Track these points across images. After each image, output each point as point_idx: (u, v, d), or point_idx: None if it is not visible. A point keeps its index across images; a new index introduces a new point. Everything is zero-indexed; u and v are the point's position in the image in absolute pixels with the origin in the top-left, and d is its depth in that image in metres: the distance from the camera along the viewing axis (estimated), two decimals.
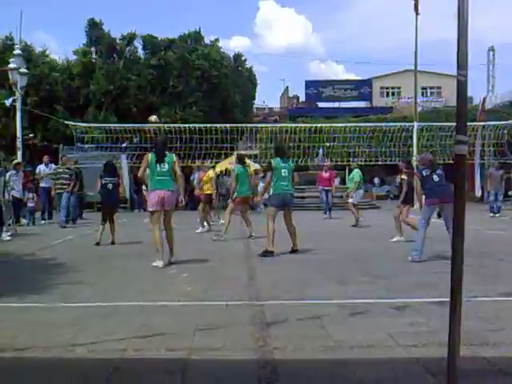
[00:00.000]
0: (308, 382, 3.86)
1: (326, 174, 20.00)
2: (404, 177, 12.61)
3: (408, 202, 12.60)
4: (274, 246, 10.28)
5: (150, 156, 9.45)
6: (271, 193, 10.67)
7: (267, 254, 10.15)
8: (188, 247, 11.20)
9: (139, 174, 9.95)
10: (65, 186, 17.29)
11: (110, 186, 12.48)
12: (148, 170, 9.56)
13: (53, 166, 19.34)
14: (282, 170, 10.44)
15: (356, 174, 16.78)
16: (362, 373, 3.96)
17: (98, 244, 11.94)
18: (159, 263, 9.00)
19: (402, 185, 12.62)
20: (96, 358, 4.39)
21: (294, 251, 10.47)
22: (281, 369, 4.05)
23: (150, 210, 9.42)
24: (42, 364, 4.30)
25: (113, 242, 12.30)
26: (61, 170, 17.59)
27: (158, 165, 9.28)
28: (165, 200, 9.20)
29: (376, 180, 38.77)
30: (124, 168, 25.63)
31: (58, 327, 5.29)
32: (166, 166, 9.31)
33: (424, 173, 9.72)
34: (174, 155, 9.63)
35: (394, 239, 12.33)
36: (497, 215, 20.21)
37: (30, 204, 19.07)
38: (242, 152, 19.72)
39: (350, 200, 16.57)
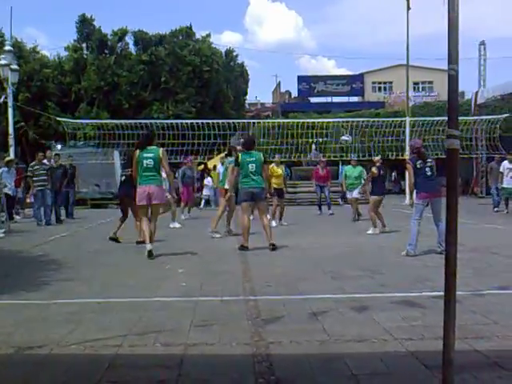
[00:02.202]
0: (303, 376, 3.87)
1: (322, 172, 19.48)
2: (374, 170, 13.50)
3: (376, 193, 13.50)
4: (248, 242, 10.39)
5: (138, 152, 9.79)
6: (240, 189, 10.77)
7: (243, 248, 10.28)
8: (183, 243, 11.21)
9: (133, 173, 10.02)
10: (45, 183, 16.77)
11: (123, 177, 12.14)
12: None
13: (52, 161, 18.89)
14: (250, 165, 10.40)
15: (362, 171, 16.85)
16: (358, 366, 3.97)
17: (115, 240, 11.66)
18: (148, 246, 9.53)
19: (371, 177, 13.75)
20: (91, 354, 4.39)
21: (271, 245, 10.28)
22: (276, 363, 4.06)
23: (138, 204, 9.88)
24: (37, 361, 4.29)
25: (138, 242, 11.18)
26: (37, 167, 16.90)
27: (144, 161, 9.61)
28: (151, 194, 9.62)
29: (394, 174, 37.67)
30: (116, 164, 25.58)
31: (53, 324, 5.28)
32: (152, 162, 9.62)
33: (418, 164, 9.72)
34: (160, 150, 9.90)
35: (370, 231, 13.08)
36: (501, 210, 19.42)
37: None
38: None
39: (357, 195, 16.70)
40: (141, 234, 11.39)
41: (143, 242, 11.26)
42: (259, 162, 10.48)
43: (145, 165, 9.62)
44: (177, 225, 14.90)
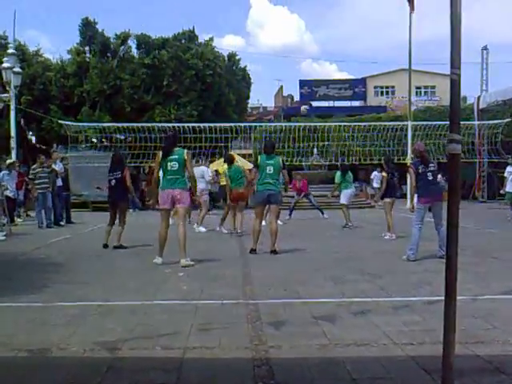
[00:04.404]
0: (303, 380, 3.87)
1: (299, 185, 19.73)
2: (384, 174, 13.78)
3: (387, 196, 13.51)
4: (257, 245, 10.45)
5: (160, 154, 9.35)
6: (256, 190, 10.77)
7: (251, 251, 10.40)
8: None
9: (155, 175, 9.61)
10: (47, 186, 16.67)
11: (113, 181, 11.89)
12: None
13: (61, 164, 18.76)
14: (267, 168, 10.36)
15: (337, 176, 16.57)
16: (358, 371, 3.96)
17: (104, 246, 11.36)
18: (158, 260, 9.12)
19: (383, 182, 13.82)
20: (91, 356, 4.39)
21: (272, 252, 10.30)
22: (276, 367, 4.06)
23: (159, 207, 9.40)
24: (37, 363, 4.30)
25: (117, 246, 11.38)
26: (39, 170, 16.80)
27: (168, 163, 9.13)
28: (175, 198, 9.12)
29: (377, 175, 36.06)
30: None
31: (54, 326, 5.28)
32: (176, 164, 9.12)
33: (420, 169, 9.70)
34: (184, 151, 9.39)
35: (386, 236, 12.94)
36: None
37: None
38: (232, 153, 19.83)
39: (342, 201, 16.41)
40: (117, 237, 11.48)
41: (120, 247, 11.31)
42: (277, 167, 10.48)
43: (169, 167, 9.12)
44: (202, 229, 14.89)
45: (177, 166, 9.13)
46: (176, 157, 9.17)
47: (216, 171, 20.11)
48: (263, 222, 12.90)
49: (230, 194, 14.22)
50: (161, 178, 9.48)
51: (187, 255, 9.13)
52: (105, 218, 12.54)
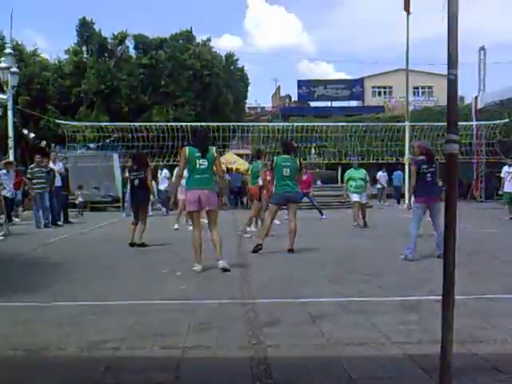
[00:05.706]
0: (301, 379, 3.87)
1: (304, 177, 18.90)
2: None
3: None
4: (263, 241, 10.47)
5: (187, 150, 8.55)
6: (273, 191, 10.79)
7: (256, 247, 10.37)
8: (181, 246, 11.20)
9: (180, 173, 8.94)
10: (45, 185, 16.66)
11: (136, 181, 11.71)
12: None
13: (61, 164, 18.75)
14: (284, 169, 10.41)
15: (366, 174, 16.49)
16: (356, 370, 3.97)
17: (131, 245, 11.34)
18: (197, 267, 8.39)
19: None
20: (89, 356, 4.38)
21: (289, 250, 10.37)
22: (274, 367, 4.05)
23: (188, 210, 8.89)
24: (35, 363, 4.29)
25: (139, 244, 11.38)
26: (36, 169, 16.76)
27: (196, 161, 8.44)
28: (203, 200, 8.45)
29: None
30: (116, 167, 25.59)
31: (51, 326, 5.27)
32: (206, 162, 8.47)
33: (422, 168, 9.67)
34: (213, 149, 8.86)
35: None
36: None
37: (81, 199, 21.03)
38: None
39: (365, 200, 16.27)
40: (139, 235, 11.47)
41: (142, 245, 11.26)
42: (295, 168, 10.52)
43: (197, 165, 8.42)
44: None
45: (206, 164, 8.49)
46: (205, 153, 8.57)
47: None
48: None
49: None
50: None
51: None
52: (102, 217, 12.54)
